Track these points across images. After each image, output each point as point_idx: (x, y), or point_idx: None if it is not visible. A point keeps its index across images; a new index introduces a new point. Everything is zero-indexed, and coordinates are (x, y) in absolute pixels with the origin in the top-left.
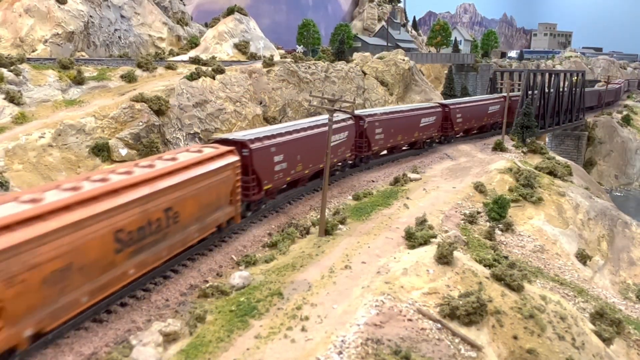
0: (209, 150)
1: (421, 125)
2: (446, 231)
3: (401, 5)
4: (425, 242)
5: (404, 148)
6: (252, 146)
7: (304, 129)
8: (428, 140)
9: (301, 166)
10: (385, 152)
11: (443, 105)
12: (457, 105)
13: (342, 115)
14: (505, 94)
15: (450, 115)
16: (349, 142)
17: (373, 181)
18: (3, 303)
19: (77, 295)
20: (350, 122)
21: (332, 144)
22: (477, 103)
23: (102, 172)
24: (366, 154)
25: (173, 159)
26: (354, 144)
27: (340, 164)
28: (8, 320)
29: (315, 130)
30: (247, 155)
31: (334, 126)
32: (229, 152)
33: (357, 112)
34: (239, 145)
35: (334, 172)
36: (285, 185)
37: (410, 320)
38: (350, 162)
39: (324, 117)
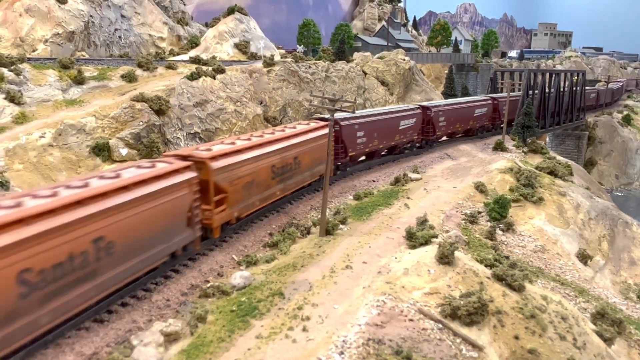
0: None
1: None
2: (447, 231)
3: (401, 5)
4: (426, 242)
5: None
6: (342, 123)
7: (380, 114)
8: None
9: (377, 142)
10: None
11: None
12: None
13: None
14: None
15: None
16: (417, 127)
17: (374, 181)
18: (228, 194)
19: (254, 200)
20: (419, 110)
21: (402, 127)
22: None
23: (260, 132)
24: (431, 137)
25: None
26: (421, 129)
27: (409, 144)
28: (228, 205)
29: (390, 115)
30: (337, 129)
31: (404, 113)
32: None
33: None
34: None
35: (403, 150)
36: (364, 157)
37: (411, 320)
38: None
39: (399, 107)
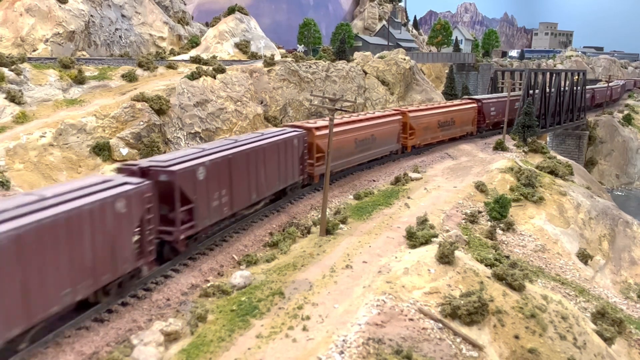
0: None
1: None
2: (447, 231)
3: (402, 4)
4: (427, 242)
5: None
6: (410, 115)
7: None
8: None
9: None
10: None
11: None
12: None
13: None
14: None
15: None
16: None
17: (374, 180)
18: (414, 130)
19: (430, 137)
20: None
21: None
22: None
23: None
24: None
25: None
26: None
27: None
28: (415, 137)
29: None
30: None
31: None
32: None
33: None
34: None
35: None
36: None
37: (411, 319)
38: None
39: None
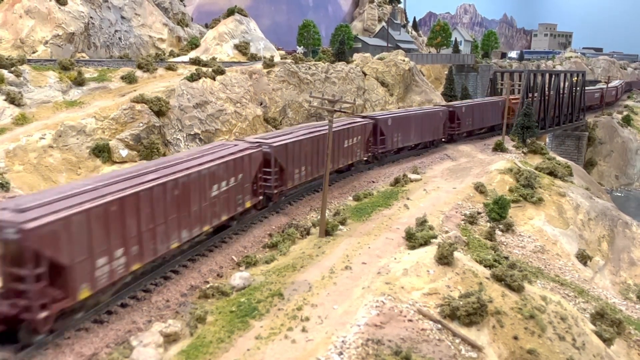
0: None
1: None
2: (446, 232)
3: (401, 6)
4: (426, 243)
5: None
6: (455, 110)
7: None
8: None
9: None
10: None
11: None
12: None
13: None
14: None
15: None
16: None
17: (373, 182)
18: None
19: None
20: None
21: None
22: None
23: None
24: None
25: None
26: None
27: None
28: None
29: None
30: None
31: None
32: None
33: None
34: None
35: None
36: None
37: (410, 320)
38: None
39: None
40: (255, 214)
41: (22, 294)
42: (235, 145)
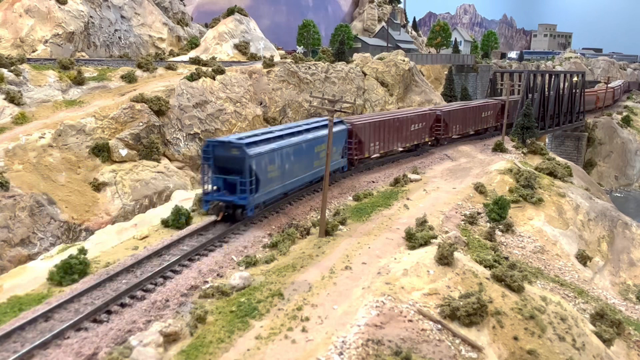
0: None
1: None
2: (446, 232)
3: (401, 6)
4: (426, 243)
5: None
6: (442, 113)
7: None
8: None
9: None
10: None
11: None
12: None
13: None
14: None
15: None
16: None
17: (373, 182)
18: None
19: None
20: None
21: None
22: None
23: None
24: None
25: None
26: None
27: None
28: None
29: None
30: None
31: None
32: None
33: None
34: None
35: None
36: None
37: (410, 321)
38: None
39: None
40: (427, 147)
41: (351, 153)
42: (423, 109)
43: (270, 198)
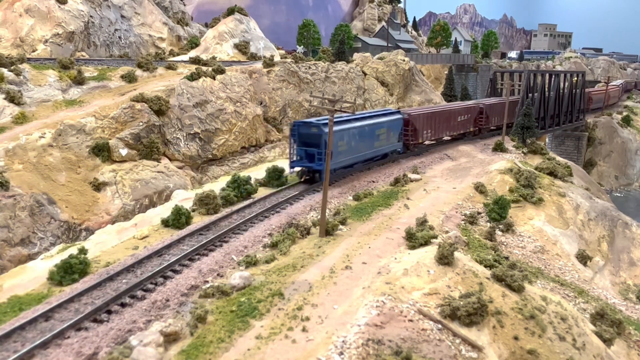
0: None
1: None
2: (447, 232)
3: (401, 5)
4: (426, 243)
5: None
6: (484, 106)
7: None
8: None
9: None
10: None
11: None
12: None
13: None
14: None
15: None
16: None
17: (373, 181)
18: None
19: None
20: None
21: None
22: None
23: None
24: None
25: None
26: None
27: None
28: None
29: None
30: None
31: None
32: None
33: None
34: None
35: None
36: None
37: (411, 320)
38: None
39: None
40: (471, 137)
41: (407, 138)
42: (469, 103)
43: (339, 167)
